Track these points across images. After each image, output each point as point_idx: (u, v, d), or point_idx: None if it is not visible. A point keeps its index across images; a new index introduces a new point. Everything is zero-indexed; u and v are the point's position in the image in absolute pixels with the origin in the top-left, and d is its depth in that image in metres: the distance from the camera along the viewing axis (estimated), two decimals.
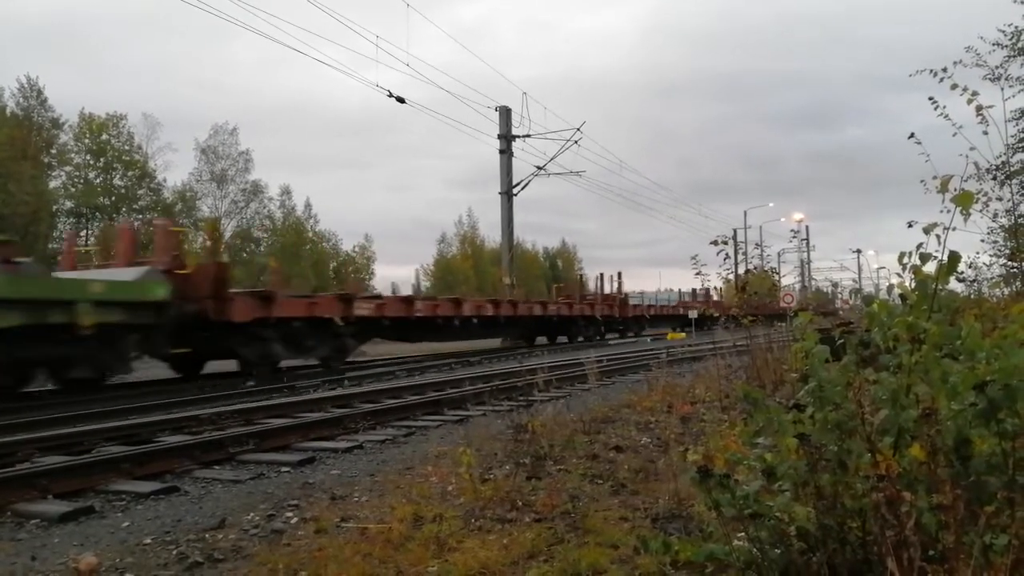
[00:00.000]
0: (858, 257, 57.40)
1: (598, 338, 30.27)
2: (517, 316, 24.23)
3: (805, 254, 63.35)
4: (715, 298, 32.64)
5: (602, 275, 36.57)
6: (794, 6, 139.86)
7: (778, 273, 28.06)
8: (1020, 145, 13.83)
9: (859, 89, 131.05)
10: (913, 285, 2.41)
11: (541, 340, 28.51)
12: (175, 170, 72.38)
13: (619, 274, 36.17)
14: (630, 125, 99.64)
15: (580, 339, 28.64)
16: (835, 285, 64.40)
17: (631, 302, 37.59)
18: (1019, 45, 12.70)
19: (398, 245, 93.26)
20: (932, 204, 2.59)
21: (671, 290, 46.14)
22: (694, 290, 43.12)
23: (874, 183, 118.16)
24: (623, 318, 32.92)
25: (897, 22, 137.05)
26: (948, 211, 2.34)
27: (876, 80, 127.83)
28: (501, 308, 23.38)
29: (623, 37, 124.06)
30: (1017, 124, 13.88)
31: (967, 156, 3.94)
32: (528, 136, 29.65)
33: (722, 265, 7.28)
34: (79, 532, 4.49)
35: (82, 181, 37.68)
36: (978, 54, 9.25)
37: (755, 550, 2.38)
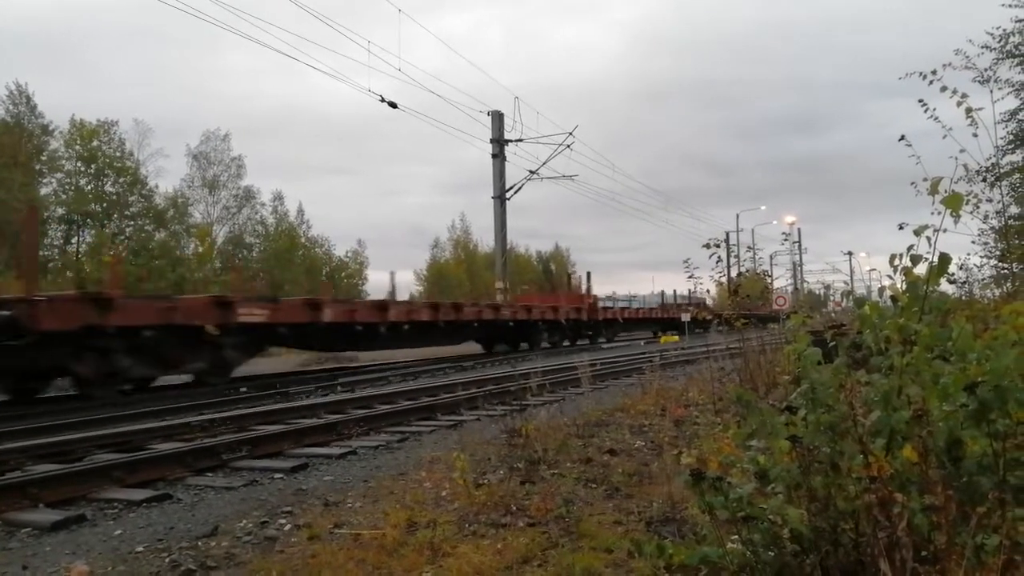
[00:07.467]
0: (850, 259, 57.63)
1: (566, 343, 28.26)
2: (462, 321, 21.46)
3: (797, 257, 63.56)
4: (707, 301, 32.60)
5: (569, 276, 35.21)
6: (776, 14, 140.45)
7: (770, 276, 27.94)
8: (1010, 147, 13.93)
9: (842, 95, 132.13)
10: (904, 287, 2.42)
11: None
12: (167, 176, 72.25)
13: (588, 274, 34.95)
14: (617, 132, 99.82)
15: (546, 345, 26.36)
16: (827, 287, 64.58)
17: (603, 304, 35.62)
18: (1007, 48, 12.81)
19: (392, 250, 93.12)
20: (921, 206, 2.61)
21: (664, 293, 45.92)
22: (675, 292, 42.88)
23: (859, 188, 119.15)
24: (592, 321, 30.55)
25: (879, 29, 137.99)
26: (938, 213, 2.36)
27: (858, 87, 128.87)
28: (440, 312, 20.54)
29: (609, 45, 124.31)
30: (1007, 126, 14.00)
31: (957, 158, 3.95)
32: (521, 140, 29.67)
33: (714, 268, 7.31)
34: (71, 540, 4.46)
35: (73, 188, 37.49)
36: (967, 57, 9.30)
37: (749, 552, 2.38)
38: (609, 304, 37.44)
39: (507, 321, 24.03)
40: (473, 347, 25.69)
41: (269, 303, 15.13)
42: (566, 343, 28.40)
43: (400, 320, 18.77)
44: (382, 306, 18.61)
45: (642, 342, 32.68)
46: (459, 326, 21.80)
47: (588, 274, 34.96)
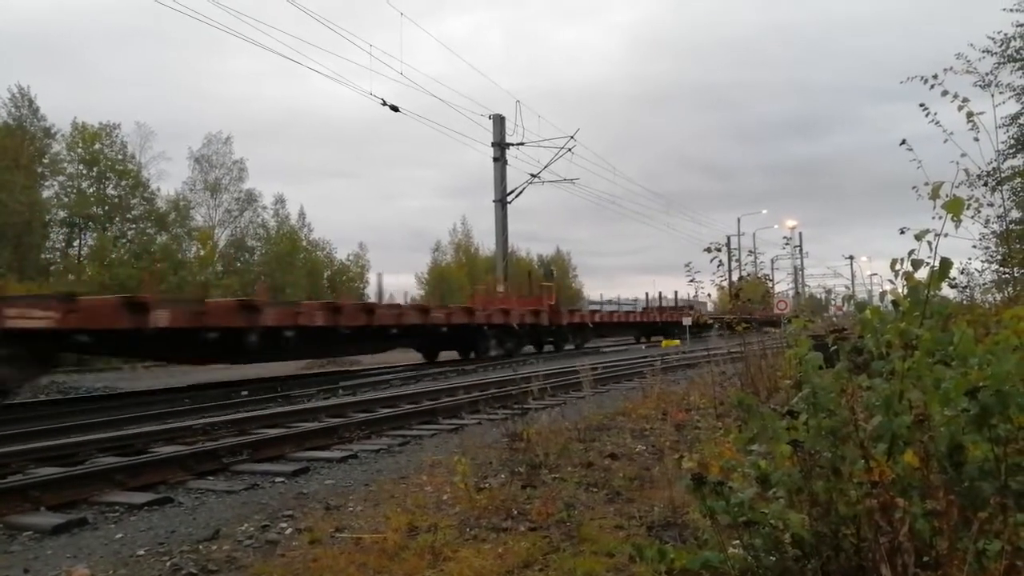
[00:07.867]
0: (851, 264, 57.59)
1: (531, 348, 25.39)
2: (375, 327, 17.40)
3: (798, 261, 63.49)
4: (708, 305, 32.41)
5: (530, 273, 30.78)
6: (775, 17, 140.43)
7: (771, 280, 27.76)
8: (1011, 151, 13.94)
9: (842, 99, 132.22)
10: (905, 291, 2.42)
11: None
12: (169, 179, 72.32)
13: (551, 272, 31.27)
14: (617, 135, 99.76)
15: (495, 353, 22.82)
16: (828, 291, 64.62)
17: (579, 307, 32.21)
18: (1008, 52, 12.84)
19: (394, 253, 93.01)
20: (922, 211, 2.61)
21: (648, 296, 45.45)
22: (660, 294, 42.56)
23: (859, 191, 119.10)
24: (556, 327, 26.60)
25: (879, 32, 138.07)
26: (939, 217, 2.36)
27: (858, 90, 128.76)
28: (343, 316, 16.40)
29: (609, 49, 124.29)
30: (1008, 130, 14.01)
31: (958, 163, 3.96)
32: (522, 144, 29.61)
33: (715, 272, 7.29)
34: (72, 544, 4.46)
35: (75, 191, 37.51)
36: (968, 61, 9.31)
37: (750, 557, 2.38)
38: (577, 307, 34.30)
39: (439, 326, 20.06)
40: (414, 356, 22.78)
41: (60, 302, 11.69)
42: (530, 348, 25.54)
43: (282, 325, 14.89)
44: (252, 307, 14.48)
45: (643, 346, 32.61)
46: (372, 333, 17.64)
47: (551, 272, 31.49)
